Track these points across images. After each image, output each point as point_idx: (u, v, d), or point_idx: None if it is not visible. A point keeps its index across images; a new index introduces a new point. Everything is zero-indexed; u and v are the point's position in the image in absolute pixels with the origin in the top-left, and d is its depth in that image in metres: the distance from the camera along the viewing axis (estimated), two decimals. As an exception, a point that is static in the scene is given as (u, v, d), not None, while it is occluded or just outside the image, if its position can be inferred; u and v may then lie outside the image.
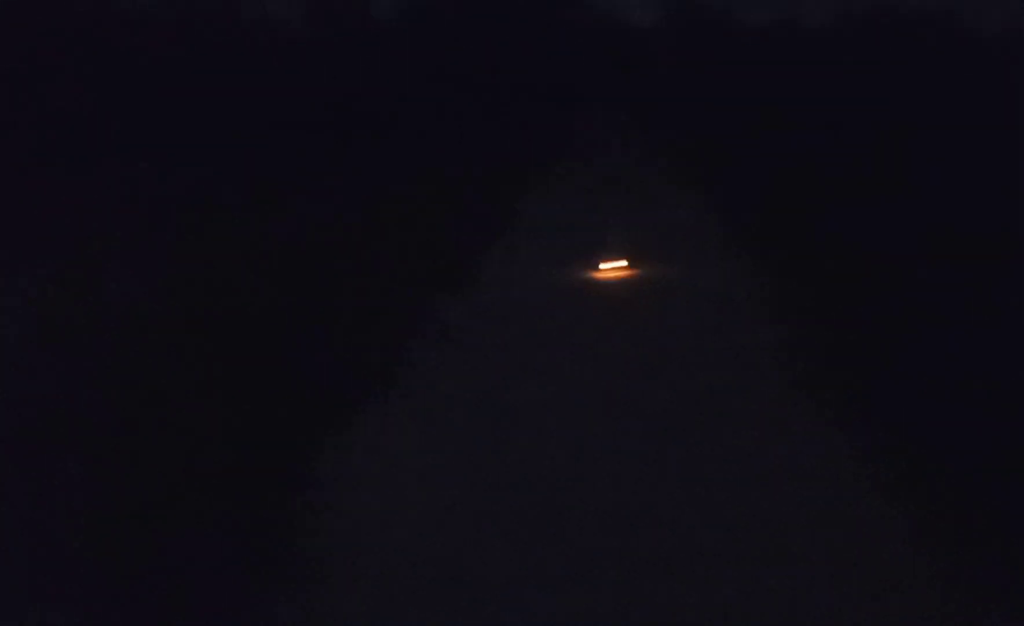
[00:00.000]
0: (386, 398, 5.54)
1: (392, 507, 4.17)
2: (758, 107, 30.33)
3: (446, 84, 32.80)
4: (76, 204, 12.60)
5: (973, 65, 31.63)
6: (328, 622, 3.28)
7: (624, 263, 9.02)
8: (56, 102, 17.86)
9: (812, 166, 16.94)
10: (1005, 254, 8.13)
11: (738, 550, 3.65)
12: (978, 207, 10.70)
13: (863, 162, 17.04)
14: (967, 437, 4.75)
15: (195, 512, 4.03)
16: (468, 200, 14.73)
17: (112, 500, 4.19)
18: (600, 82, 46.05)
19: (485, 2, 39.30)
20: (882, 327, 6.66)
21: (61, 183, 14.30)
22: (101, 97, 18.97)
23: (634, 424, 4.95)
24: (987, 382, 5.48)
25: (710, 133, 25.99)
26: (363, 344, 6.54)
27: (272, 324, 6.87)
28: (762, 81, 37.14)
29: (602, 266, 8.97)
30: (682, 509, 4.02)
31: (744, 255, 9.60)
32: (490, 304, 7.80)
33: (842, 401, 5.27)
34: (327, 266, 9.27)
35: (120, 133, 18.22)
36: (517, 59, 38.17)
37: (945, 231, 9.67)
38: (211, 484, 4.28)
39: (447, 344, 6.58)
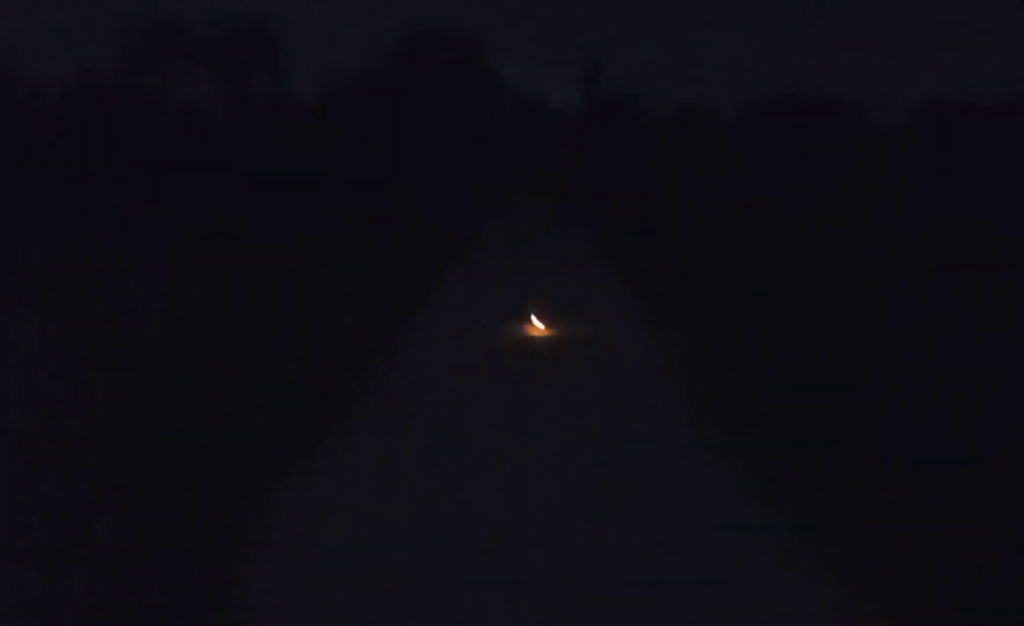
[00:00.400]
0: (325, 450, 5.85)
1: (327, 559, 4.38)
2: (667, 186, 32.13)
3: (369, 162, 33.41)
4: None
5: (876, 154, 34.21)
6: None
7: (543, 325, 9.65)
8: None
9: (718, 237, 18.11)
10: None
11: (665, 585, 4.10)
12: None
13: (770, 234, 18.29)
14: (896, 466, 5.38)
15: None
16: (397, 270, 15.31)
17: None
18: (519, 161, 47.71)
19: (404, 85, 40.35)
20: (782, 377, 7.40)
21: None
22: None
23: (556, 472, 5.43)
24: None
25: (623, 208, 27.44)
26: (302, 399, 6.87)
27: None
28: (674, 160, 39.28)
29: (525, 328, 9.60)
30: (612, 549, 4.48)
31: (651, 317, 10.37)
32: (424, 361, 8.29)
33: (744, 433, 5.89)
34: (263, 325, 9.59)
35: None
36: (438, 139, 39.20)
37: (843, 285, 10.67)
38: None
39: (383, 399, 6.97)
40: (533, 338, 9.31)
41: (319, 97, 40.01)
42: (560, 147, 51.65)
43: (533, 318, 9.73)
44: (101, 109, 27.56)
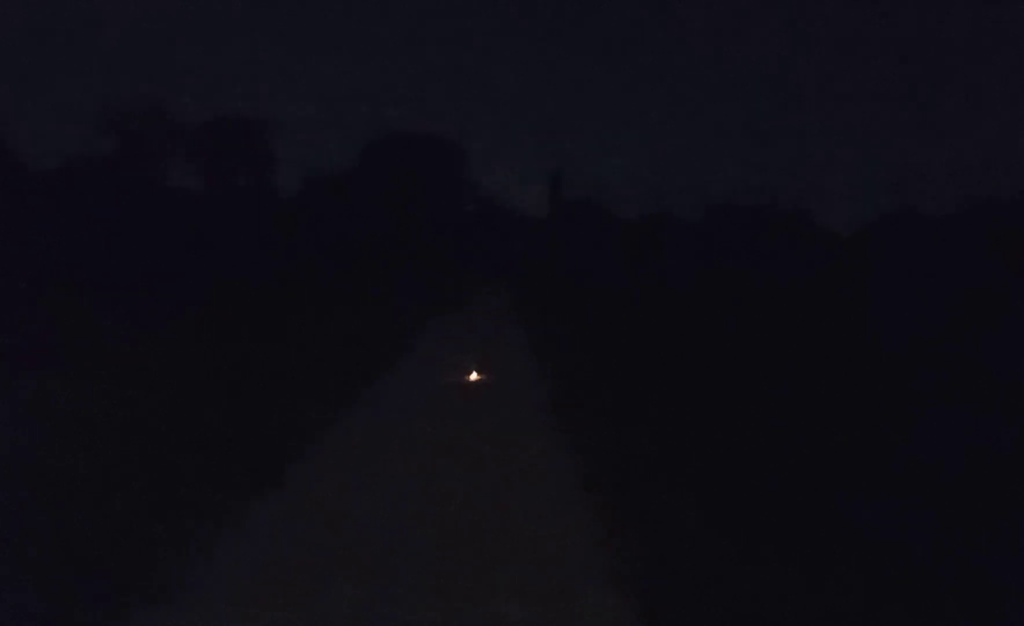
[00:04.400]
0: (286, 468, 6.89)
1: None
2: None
3: (343, 250, 35.66)
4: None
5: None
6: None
7: (476, 374, 12.10)
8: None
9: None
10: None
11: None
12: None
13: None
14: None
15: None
16: (364, 335, 17.58)
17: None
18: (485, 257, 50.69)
19: (377, 182, 42.96)
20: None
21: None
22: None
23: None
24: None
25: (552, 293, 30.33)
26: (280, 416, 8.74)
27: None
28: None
29: (464, 376, 12.02)
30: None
31: (561, 374, 12.63)
32: (387, 398, 10.59)
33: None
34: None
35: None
36: (413, 232, 41.68)
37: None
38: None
39: (353, 426, 8.76)
40: (467, 382, 11.65)
41: (300, 191, 42.62)
42: (522, 247, 54.81)
43: (473, 371, 12.11)
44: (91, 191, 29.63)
